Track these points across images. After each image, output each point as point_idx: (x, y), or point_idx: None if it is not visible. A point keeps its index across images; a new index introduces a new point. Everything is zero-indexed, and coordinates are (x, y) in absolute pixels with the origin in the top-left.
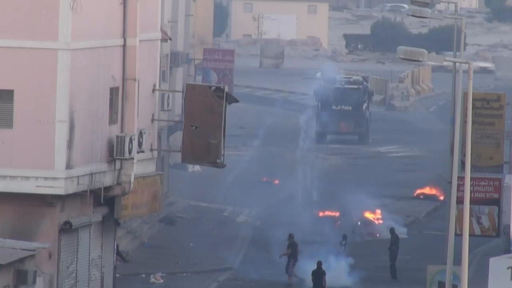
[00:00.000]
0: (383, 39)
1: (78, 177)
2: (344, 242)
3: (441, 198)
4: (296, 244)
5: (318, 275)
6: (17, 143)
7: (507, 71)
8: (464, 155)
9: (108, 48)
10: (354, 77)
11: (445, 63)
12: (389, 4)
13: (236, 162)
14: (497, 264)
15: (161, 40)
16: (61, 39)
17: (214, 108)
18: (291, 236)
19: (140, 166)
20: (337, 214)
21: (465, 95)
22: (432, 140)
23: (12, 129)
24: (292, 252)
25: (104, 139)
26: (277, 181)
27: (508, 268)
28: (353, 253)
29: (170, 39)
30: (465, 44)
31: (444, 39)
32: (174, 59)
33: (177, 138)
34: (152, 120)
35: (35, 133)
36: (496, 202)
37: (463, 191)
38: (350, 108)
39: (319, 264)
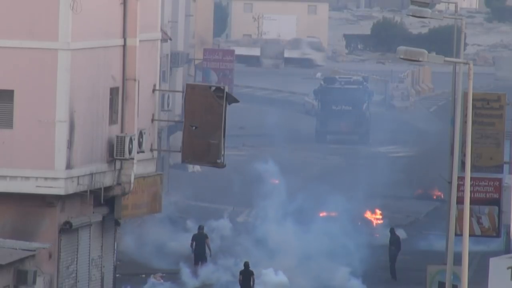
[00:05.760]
0: (383, 39)
1: (78, 177)
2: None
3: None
4: (204, 236)
5: (246, 275)
6: (17, 143)
7: (507, 71)
8: (464, 155)
9: (108, 48)
10: (354, 77)
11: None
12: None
13: (236, 162)
14: (497, 264)
15: (161, 40)
16: (61, 39)
17: (214, 108)
18: (200, 228)
19: (140, 166)
20: (335, 214)
21: (465, 95)
22: (432, 140)
23: (12, 129)
24: (197, 246)
25: (104, 139)
26: (277, 181)
27: (508, 268)
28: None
29: (170, 39)
30: (465, 44)
31: (444, 39)
32: (174, 59)
33: (177, 138)
34: (152, 120)
35: (35, 133)
36: (496, 202)
37: (463, 191)
38: (350, 108)
39: (247, 264)
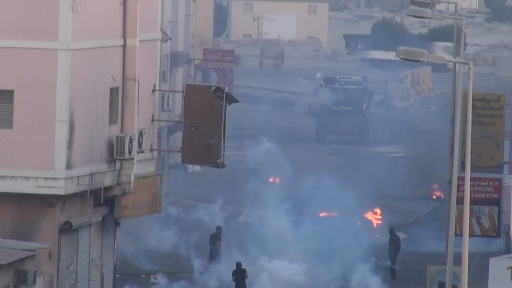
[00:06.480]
0: (383, 39)
1: (78, 177)
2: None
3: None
4: (217, 237)
5: (239, 274)
6: (17, 143)
7: (507, 71)
8: (464, 155)
9: (108, 48)
10: (354, 77)
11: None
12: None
13: (236, 162)
14: (497, 264)
15: (161, 40)
16: (61, 39)
17: (214, 108)
18: (217, 228)
19: (140, 166)
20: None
21: (465, 95)
22: (432, 140)
23: (12, 129)
24: (212, 246)
25: (104, 139)
26: (277, 180)
27: (508, 268)
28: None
29: (170, 39)
30: (465, 44)
31: (444, 39)
32: (174, 59)
33: (177, 138)
34: (152, 120)
35: (35, 133)
36: (496, 202)
37: (463, 191)
38: (350, 108)
39: (239, 264)
